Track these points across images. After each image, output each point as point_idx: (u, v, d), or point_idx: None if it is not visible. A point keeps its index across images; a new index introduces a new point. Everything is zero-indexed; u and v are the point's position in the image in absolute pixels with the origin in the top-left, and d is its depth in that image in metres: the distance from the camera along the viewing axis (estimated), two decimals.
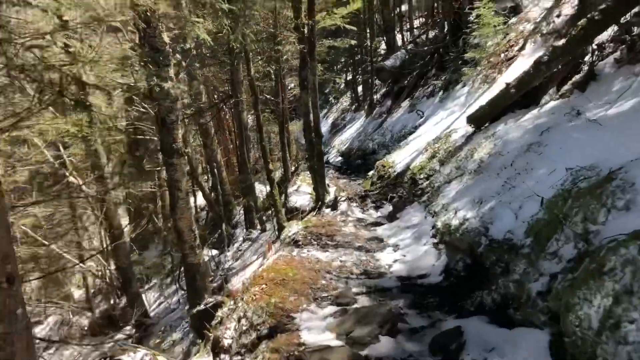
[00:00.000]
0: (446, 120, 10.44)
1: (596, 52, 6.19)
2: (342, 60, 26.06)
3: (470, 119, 7.57)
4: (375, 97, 19.44)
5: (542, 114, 6.18)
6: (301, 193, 9.98)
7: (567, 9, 8.21)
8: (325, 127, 24.17)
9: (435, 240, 5.74)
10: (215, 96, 13.10)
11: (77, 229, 14.43)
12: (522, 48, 9.06)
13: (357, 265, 5.85)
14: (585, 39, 5.95)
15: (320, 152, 8.90)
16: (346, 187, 11.16)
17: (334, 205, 8.55)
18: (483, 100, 8.64)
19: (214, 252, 12.65)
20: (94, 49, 5.27)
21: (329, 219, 7.87)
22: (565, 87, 6.37)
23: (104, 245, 13.74)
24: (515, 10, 10.99)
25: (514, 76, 7.24)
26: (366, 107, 19.52)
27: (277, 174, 12.43)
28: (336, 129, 24.20)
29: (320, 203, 8.66)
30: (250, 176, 10.59)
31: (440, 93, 12.58)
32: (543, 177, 4.62)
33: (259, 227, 10.79)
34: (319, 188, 8.78)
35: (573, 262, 3.29)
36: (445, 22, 14.41)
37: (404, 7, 22.41)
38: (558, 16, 8.36)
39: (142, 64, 6.60)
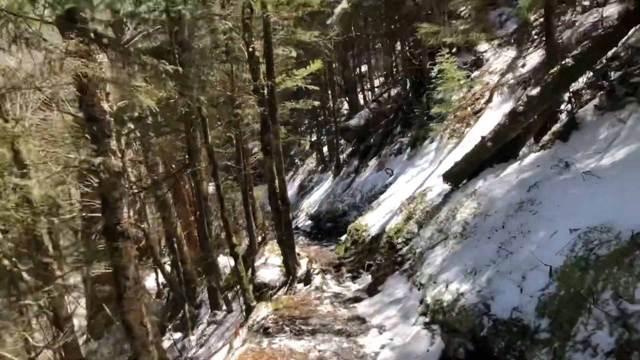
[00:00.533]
0: (417, 177, 9.99)
1: (573, 100, 5.87)
2: (306, 121, 25.95)
3: (447, 177, 7.05)
4: (341, 157, 19.12)
5: (525, 168, 5.70)
6: (270, 266, 9.09)
7: (534, 58, 8.08)
8: (292, 190, 23.54)
9: (427, 319, 4.96)
10: (174, 166, 12.32)
11: (23, 321, 12.89)
12: (490, 100, 8.83)
13: (338, 356, 4.99)
14: (561, 86, 5.63)
15: (288, 220, 8.17)
16: (318, 255, 10.36)
17: (306, 280, 7.72)
18: (455, 155, 8.22)
19: (177, 335, 11.42)
20: (18, 122, 4.54)
21: (302, 297, 7.01)
22: (546, 137, 5.97)
23: (51, 340, 12.21)
24: (477, 63, 10.97)
25: (487, 129, 6.84)
26: (333, 167, 19.12)
27: (243, 245, 11.54)
28: (304, 191, 23.57)
29: (291, 278, 7.81)
30: (212, 253, 9.64)
31: (408, 150, 12.25)
32: (544, 241, 4.01)
33: (224, 307, 9.73)
34: (289, 261, 7.97)
35: (614, 355, 2.60)
36: (407, 80, 14.39)
37: (364, 68, 22.75)
38: (523, 66, 8.21)
39: (84, 135, 5.87)
